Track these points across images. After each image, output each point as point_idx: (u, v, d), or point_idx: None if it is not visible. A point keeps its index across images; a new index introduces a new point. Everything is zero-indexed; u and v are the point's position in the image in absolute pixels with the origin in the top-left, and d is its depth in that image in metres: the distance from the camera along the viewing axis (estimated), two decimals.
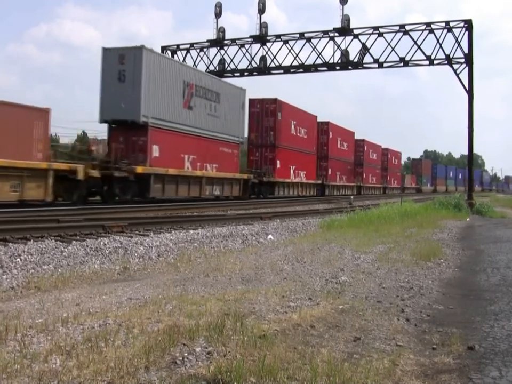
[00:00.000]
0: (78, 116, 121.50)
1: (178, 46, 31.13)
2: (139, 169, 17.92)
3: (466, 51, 25.15)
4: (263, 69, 29.69)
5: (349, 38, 27.56)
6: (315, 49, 27.97)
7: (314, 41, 28.16)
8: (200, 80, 22.30)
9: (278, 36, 29.23)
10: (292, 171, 30.41)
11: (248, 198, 25.46)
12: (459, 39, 25.31)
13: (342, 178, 40.94)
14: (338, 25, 27.38)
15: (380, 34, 26.82)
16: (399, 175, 63.98)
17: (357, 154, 46.07)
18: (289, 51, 28.73)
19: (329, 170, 37.63)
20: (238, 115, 25.84)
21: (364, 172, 47.44)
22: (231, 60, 29.95)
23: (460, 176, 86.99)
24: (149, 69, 18.66)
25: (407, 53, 26.45)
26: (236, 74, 30.24)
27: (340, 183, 40.65)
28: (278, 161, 28.34)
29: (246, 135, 28.22)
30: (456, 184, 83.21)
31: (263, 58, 29.45)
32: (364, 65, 27.83)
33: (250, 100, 27.97)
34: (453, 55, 25.47)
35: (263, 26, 28.91)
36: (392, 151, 60.59)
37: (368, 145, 49.42)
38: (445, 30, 25.72)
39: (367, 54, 27.21)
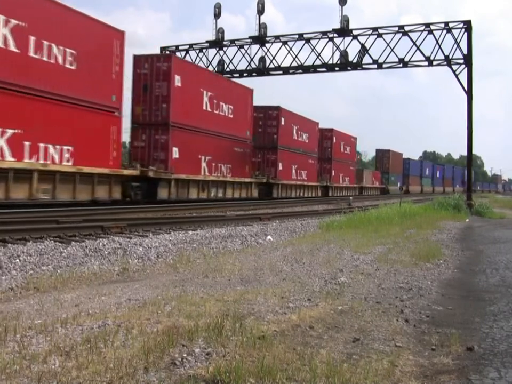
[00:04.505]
0: None
1: (177, 47, 31.14)
2: None
3: (465, 52, 25.16)
4: (262, 70, 29.66)
5: (348, 39, 27.52)
6: (314, 50, 27.99)
7: (313, 42, 28.16)
8: None
9: (277, 37, 29.22)
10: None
11: None
12: (458, 40, 25.32)
13: (221, 171, 22.68)
14: (337, 26, 27.38)
15: (379, 35, 26.80)
16: (353, 170, 44.77)
17: (266, 131, 28.02)
18: (288, 52, 28.76)
19: (173, 151, 19.09)
20: None
21: (279, 162, 28.41)
22: (230, 61, 29.96)
23: (438, 175, 74.02)
24: None
25: (406, 54, 26.43)
26: (235, 75, 30.26)
27: (220, 177, 22.41)
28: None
29: None
30: (433, 184, 70.57)
31: (262, 59, 29.43)
32: (363, 66, 27.82)
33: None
34: (452, 56, 25.49)
35: (262, 27, 28.90)
36: (341, 135, 40.32)
37: (288, 118, 29.20)
38: (444, 31, 25.72)
39: (366, 55, 27.23)
